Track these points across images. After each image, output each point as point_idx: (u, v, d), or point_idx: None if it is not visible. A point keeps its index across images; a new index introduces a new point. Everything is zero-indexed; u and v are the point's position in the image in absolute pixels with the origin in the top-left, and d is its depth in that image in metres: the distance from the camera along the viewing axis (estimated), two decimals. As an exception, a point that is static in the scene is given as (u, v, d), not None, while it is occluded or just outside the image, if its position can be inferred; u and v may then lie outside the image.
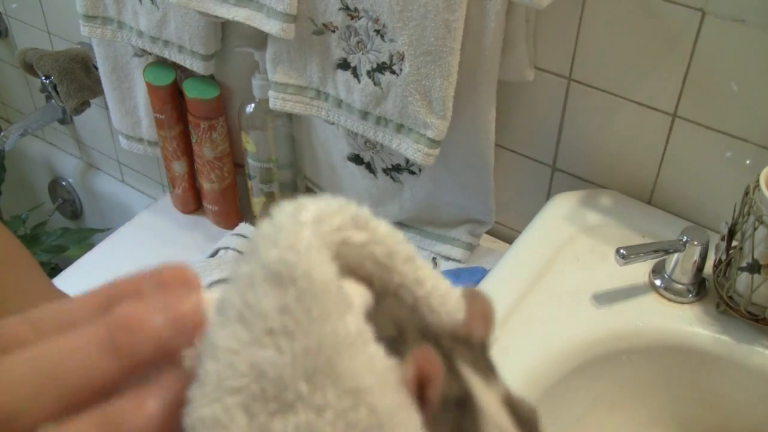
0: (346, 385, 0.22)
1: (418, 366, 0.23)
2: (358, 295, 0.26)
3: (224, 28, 1.02)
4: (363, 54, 0.86)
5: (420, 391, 0.24)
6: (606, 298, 0.78)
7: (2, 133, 1.45)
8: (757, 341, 0.74)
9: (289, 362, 0.22)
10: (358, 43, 0.86)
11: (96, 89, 1.31)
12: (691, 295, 0.78)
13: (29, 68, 1.32)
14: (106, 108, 1.25)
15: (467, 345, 0.26)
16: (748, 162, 0.80)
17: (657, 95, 0.82)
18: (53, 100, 1.36)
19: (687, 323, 0.76)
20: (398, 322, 0.26)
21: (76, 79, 1.30)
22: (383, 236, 0.27)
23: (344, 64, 0.88)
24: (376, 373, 0.23)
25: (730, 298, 0.74)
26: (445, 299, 0.28)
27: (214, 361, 0.22)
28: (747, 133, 0.79)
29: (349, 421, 0.22)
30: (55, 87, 1.30)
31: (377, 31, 0.83)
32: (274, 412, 0.22)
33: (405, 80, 0.84)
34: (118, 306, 0.24)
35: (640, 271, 0.80)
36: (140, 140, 1.23)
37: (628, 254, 0.74)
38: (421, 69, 0.82)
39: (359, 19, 0.84)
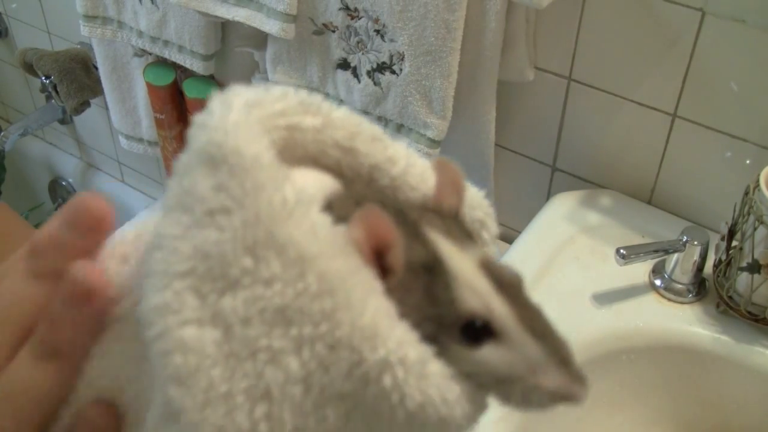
0: (290, 254, 0.21)
1: (368, 227, 0.22)
2: (316, 181, 0.25)
3: (224, 28, 1.02)
4: (363, 54, 0.86)
5: (380, 260, 0.23)
6: (606, 298, 0.78)
7: (2, 133, 1.45)
8: (757, 341, 0.74)
9: (230, 238, 0.22)
10: (358, 43, 0.86)
11: (96, 89, 1.31)
12: (691, 295, 0.78)
13: (29, 68, 1.32)
14: (106, 108, 1.25)
15: (438, 214, 0.25)
16: (748, 162, 0.80)
17: (657, 95, 0.82)
18: (53, 100, 1.36)
19: (687, 323, 0.76)
20: (360, 201, 0.24)
21: (76, 79, 1.30)
22: (341, 120, 0.27)
23: (344, 64, 0.88)
24: (321, 239, 0.22)
25: (730, 298, 0.74)
26: (424, 176, 0.27)
27: (160, 250, 0.22)
28: (747, 133, 0.79)
29: (298, 289, 0.21)
30: (55, 87, 1.30)
31: (377, 31, 0.83)
32: (223, 289, 0.22)
33: (405, 80, 0.84)
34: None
35: (640, 271, 0.80)
36: (140, 140, 1.23)
37: (628, 254, 0.74)
38: (421, 69, 0.82)
39: (359, 19, 0.84)
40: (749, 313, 0.73)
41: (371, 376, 0.21)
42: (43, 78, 1.29)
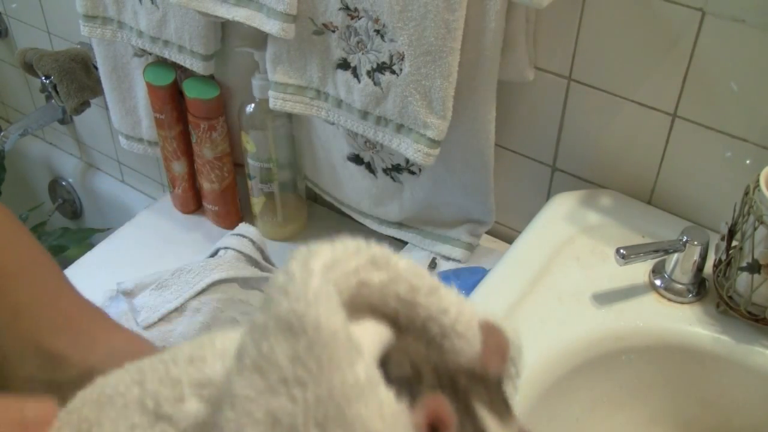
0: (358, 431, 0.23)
1: (430, 413, 0.24)
2: (374, 335, 0.26)
3: (224, 28, 1.02)
4: (363, 54, 0.86)
5: None
6: (606, 298, 0.78)
7: (2, 133, 1.45)
8: (757, 341, 0.74)
9: (301, 410, 0.23)
10: (358, 43, 0.86)
11: (96, 89, 1.31)
12: (691, 295, 0.78)
13: (29, 68, 1.32)
14: (106, 108, 1.25)
15: (483, 383, 0.27)
16: (748, 162, 0.80)
17: (657, 95, 0.82)
18: (53, 100, 1.36)
19: (687, 323, 0.76)
20: (414, 362, 0.26)
21: (76, 79, 1.30)
22: (404, 273, 0.28)
23: (344, 64, 0.88)
24: (386, 419, 0.23)
25: (730, 298, 0.74)
26: (470, 325, 0.28)
27: (233, 409, 0.23)
28: (747, 133, 0.79)
29: None
30: (55, 87, 1.30)
31: (377, 31, 0.83)
32: None
33: (405, 80, 0.84)
34: None
35: (640, 271, 0.80)
36: (140, 140, 1.23)
37: (628, 254, 0.74)
38: (421, 69, 0.82)
39: (359, 19, 0.84)
40: (749, 313, 0.73)
41: None
42: (43, 78, 1.29)
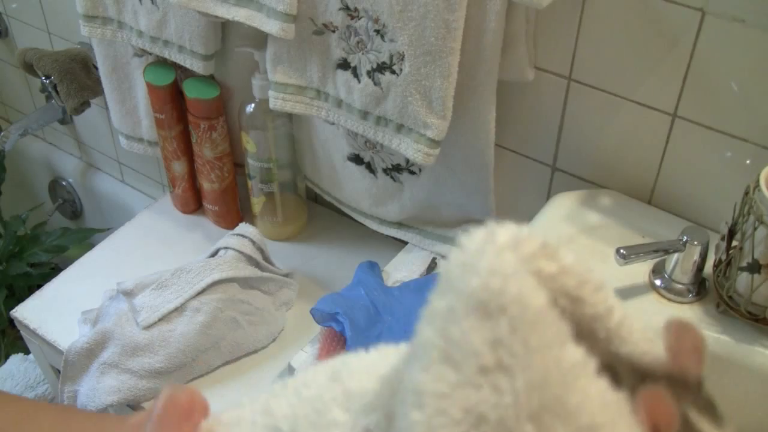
0: (581, 422, 0.19)
1: (649, 408, 0.21)
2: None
3: (224, 28, 1.02)
4: (363, 54, 0.86)
5: None
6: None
7: (2, 133, 1.45)
8: (757, 341, 0.74)
9: (511, 402, 0.19)
10: (358, 43, 0.86)
11: (96, 89, 1.31)
12: (691, 295, 0.78)
13: (29, 68, 1.32)
14: (106, 108, 1.25)
15: (685, 385, 0.24)
16: (748, 162, 0.80)
17: (657, 95, 0.82)
18: (53, 100, 1.36)
19: (687, 323, 0.76)
20: (603, 358, 0.23)
21: (76, 79, 1.30)
22: (572, 266, 0.25)
23: (344, 64, 0.88)
24: (610, 408, 0.20)
25: (730, 298, 0.74)
26: (632, 328, 0.25)
27: (420, 409, 0.20)
28: (747, 133, 0.79)
29: None
30: (55, 87, 1.30)
31: (377, 31, 0.83)
32: None
33: (405, 80, 0.84)
34: None
35: (640, 271, 0.80)
36: (140, 140, 1.23)
37: (628, 254, 0.74)
38: (421, 69, 0.82)
39: (359, 19, 0.84)
40: (749, 313, 0.73)
41: None
42: (43, 78, 1.30)
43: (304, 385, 0.25)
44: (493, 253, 0.20)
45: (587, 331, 0.25)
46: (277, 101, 0.95)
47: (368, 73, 0.87)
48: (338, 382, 0.24)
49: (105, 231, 1.46)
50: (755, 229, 0.70)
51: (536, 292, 0.20)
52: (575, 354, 0.20)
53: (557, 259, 0.24)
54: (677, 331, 0.25)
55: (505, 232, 0.22)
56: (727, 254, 0.74)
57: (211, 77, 1.09)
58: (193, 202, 1.23)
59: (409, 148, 0.87)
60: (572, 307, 0.24)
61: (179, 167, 1.18)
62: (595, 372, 0.20)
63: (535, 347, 0.19)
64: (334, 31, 0.87)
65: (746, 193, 0.71)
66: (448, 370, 0.20)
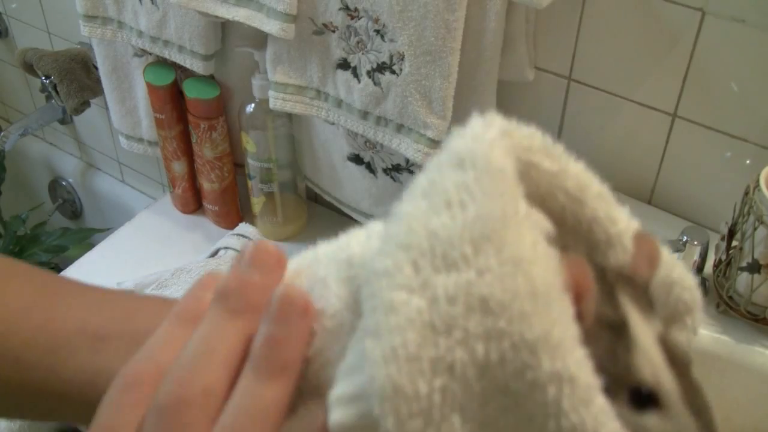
0: (509, 253, 0.23)
1: (570, 272, 0.24)
2: (540, 219, 0.27)
3: (224, 28, 1.02)
4: (363, 54, 0.86)
5: (574, 305, 0.25)
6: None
7: (2, 133, 1.45)
8: (757, 341, 0.74)
9: (459, 226, 0.24)
10: (358, 43, 0.86)
11: (96, 89, 1.31)
12: (691, 295, 0.78)
13: (29, 68, 1.32)
14: (106, 108, 1.25)
15: (630, 282, 0.27)
16: (748, 162, 0.80)
17: (657, 95, 0.82)
18: (53, 100, 1.36)
19: (687, 323, 0.76)
20: (567, 246, 0.27)
21: (76, 79, 1.30)
22: (575, 171, 0.29)
23: (344, 64, 0.88)
24: (540, 252, 0.24)
25: (730, 298, 0.74)
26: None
27: (397, 224, 0.25)
28: (747, 133, 0.79)
29: (506, 286, 0.23)
30: (55, 87, 1.30)
31: (377, 31, 0.83)
32: (439, 268, 0.24)
33: (405, 80, 0.84)
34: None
35: (640, 271, 0.80)
36: (140, 140, 1.23)
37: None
38: (421, 69, 0.82)
39: (359, 19, 0.84)
40: (749, 313, 0.73)
41: (539, 383, 0.23)
42: (43, 78, 1.30)
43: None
44: (481, 128, 0.26)
45: (586, 231, 0.29)
46: (277, 101, 0.95)
47: (368, 73, 0.87)
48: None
49: (105, 231, 1.46)
50: (755, 229, 0.70)
51: (503, 159, 0.25)
52: (522, 207, 0.24)
53: (560, 162, 0.28)
54: (638, 240, 0.29)
55: (500, 121, 0.27)
56: (727, 254, 0.74)
57: (211, 77, 1.09)
58: (193, 202, 1.23)
59: (409, 149, 0.87)
60: (572, 206, 0.29)
61: (179, 167, 1.18)
62: (537, 229, 0.24)
63: (490, 193, 0.24)
64: (334, 31, 0.87)
65: (746, 193, 0.71)
66: (423, 201, 0.25)
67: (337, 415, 0.24)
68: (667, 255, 0.30)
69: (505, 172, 0.25)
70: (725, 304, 0.75)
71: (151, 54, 1.10)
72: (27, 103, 1.61)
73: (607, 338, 0.25)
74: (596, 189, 0.29)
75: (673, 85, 0.80)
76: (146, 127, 1.20)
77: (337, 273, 0.29)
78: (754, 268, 0.71)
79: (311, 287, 0.29)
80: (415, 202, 0.25)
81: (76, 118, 1.50)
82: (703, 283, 0.78)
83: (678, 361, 0.26)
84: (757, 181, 0.70)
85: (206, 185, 1.16)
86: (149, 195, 1.50)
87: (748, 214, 0.70)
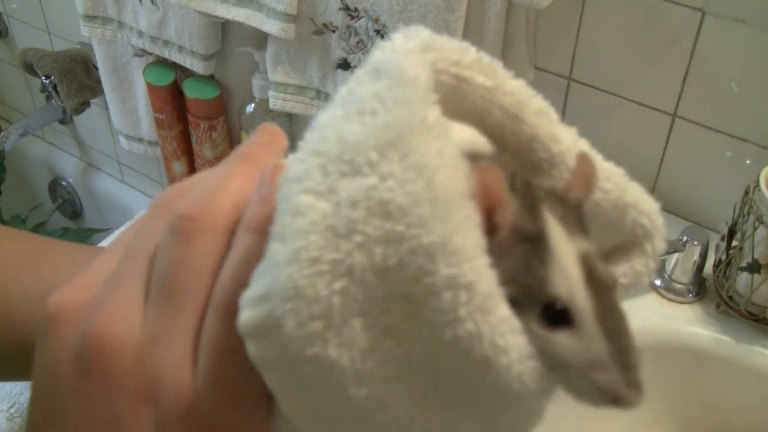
0: (411, 159, 0.23)
1: (481, 180, 0.24)
2: (469, 134, 0.28)
3: (224, 28, 1.02)
4: (363, 54, 0.86)
5: (489, 218, 0.25)
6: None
7: (2, 133, 1.45)
8: (757, 341, 0.74)
9: (367, 133, 0.24)
10: (358, 43, 0.86)
11: (96, 89, 1.31)
12: (691, 295, 0.78)
13: (29, 68, 1.32)
14: (106, 108, 1.25)
15: (561, 201, 0.26)
16: (748, 162, 0.80)
17: (657, 95, 0.82)
18: (53, 100, 1.36)
19: (687, 323, 0.76)
20: (498, 161, 0.27)
21: (76, 79, 1.30)
22: (512, 87, 0.28)
23: (344, 64, 0.88)
24: (444, 159, 0.24)
25: (730, 298, 0.74)
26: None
27: (311, 132, 0.26)
28: (747, 133, 0.79)
29: (407, 190, 0.23)
30: (55, 87, 1.30)
31: (377, 31, 0.83)
32: (345, 173, 0.24)
33: (405, 80, 0.84)
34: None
35: (640, 271, 0.80)
36: (140, 140, 1.23)
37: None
38: (421, 69, 0.82)
39: (359, 19, 0.84)
40: (749, 313, 0.73)
41: (435, 288, 0.23)
42: (43, 78, 1.30)
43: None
44: (402, 40, 0.26)
45: (527, 151, 0.28)
46: (277, 101, 0.95)
47: (368, 73, 0.87)
48: None
49: (105, 231, 1.46)
50: (755, 229, 0.70)
51: (416, 69, 0.25)
52: (431, 115, 0.24)
53: (495, 78, 0.28)
54: (578, 159, 0.28)
55: (424, 33, 0.27)
56: (727, 254, 0.74)
57: (211, 77, 1.09)
58: (193, 202, 1.23)
59: (409, 148, 0.88)
60: (510, 124, 0.28)
61: (179, 167, 1.18)
62: (448, 138, 0.24)
63: (400, 102, 0.24)
64: (334, 31, 0.87)
65: (746, 193, 0.71)
66: (339, 110, 0.25)
67: (245, 315, 0.25)
68: (620, 177, 0.29)
69: (417, 82, 0.25)
70: (725, 304, 0.75)
71: (151, 54, 1.10)
72: (27, 103, 1.61)
73: (524, 251, 0.25)
74: (536, 106, 0.28)
75: (673, 85, 0.80)
76: (146, 127, 1.20)
77: None
78: (754, 268, 0.71)
79: None
80: (332, 111, 0.26)
81: (76, 118, 1.50)
82: (703, 283, 0.78)
83: (600, 283, 0.25)
84: (757, 181, 0.70)
85: (206, 185, 1.16)
86: (149, 195, 1.50)
87: (748, 214, 0.70)
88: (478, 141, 0.28)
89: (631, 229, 0.29)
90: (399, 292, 0.24)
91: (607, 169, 0.29)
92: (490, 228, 0.24)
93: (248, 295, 0.25)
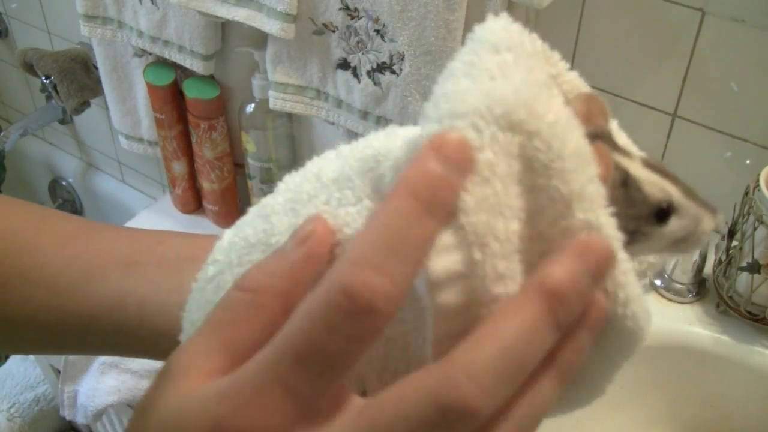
0: (553, 116, 0.26)
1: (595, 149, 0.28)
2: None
3: (224, 28, 1.02)
4: (363, 54, 0.86)
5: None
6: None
7: (2, 133, 1.45)
8: (757, 341, 0.74)
9: (511, 90, 0.26)
10: (358, 43, 0.86)
11: (96, 89, 1.31)
12: (691, 295, 0.78)
13: (29, 68, 1.32)
14: (106, 108, 1.25)
15: (601, 137, 0.31)
16: (748, 162, 0.80)
17: (657, 95, 0.82)
18: (53, 100, 1.36)
19: (687, 323, 0.76)
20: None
21: (76, 79, 1.30)
22: (571, 76, 0.34)
23: (344, 64, 0.88)
24: (561, 115, 0.27)
25: (730, 298, 0.74)
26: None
27: (446, 101, 0.27)
28: (747, 133, 0.79)
29: (551, 145, 0.26)
30: (55, 87, 1.30)
31: (377, 31, 0.83)
32: (502, 126, 0.26)
33: (405, 80, 0.84)
34: (543, 275, 0.26)
35: (640, 271, 0.80)
36: (140, 140, 1.23)
37: (628, 254, 0.74)
38: (421, 69, 0.82)
39: (359, 19, 0.84)
40: (749, 313, 0.73)
41: (572, 230, 0.27)
42: (43, 78, 1.30)
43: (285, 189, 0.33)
44: (504, 23, 0.29)
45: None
46: (277, 101, 0.95)
47: (368, 73, 0.87)
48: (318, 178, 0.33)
49: (105, 231, 1.46)
50: (755, 229, 0.70)
51: (533, 43, 0.29)
52: (543, 76, 0.28)
53: (557, 66, 0.33)
54: (586, 100, 0.32)
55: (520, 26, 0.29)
56: (727, 254, 0.74)
57: (211, 77, 1.09)
58: (193, 202, 1.23)
59: (409, 148, 0.88)
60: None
61: (179, 167, 1.18)
62: (559, 95, 0.28)
63: (522, 67, 0.27)
64: (334, 31, 0.87)
65: (746, 193, 0.71)
66: (465, 80, 0.27)
67: (440, 263, 0.26)
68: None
69: (537, 52, 0.29)
70: (725, 304, 0.75)
71: (151, 54, 1.10)
72: (27, 103, 1.61)
73: (622, 191, 0.30)
74: (588, 92, 0.33)
75: (673, 85, 0.80)
76: (146, 127, 1.20)
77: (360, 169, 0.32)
78: (754, 268, 0.71)
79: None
80: (457, 82, 0.27)
81: (76, 118, 1.50)
82: (703, 283, 0.78)
83: (664, 171, 0.32)
84: (757, 181, 0.70)
85: (206, 185, 1.16)
86: (149, 195, 1.50)
87: (748, 214, 0.70)
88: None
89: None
90: (541, 233, 0.27)
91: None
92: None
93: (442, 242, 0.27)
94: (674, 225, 0.32)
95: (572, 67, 0.35)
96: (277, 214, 0.32)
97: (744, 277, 0.72)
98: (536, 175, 0.27)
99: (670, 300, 0.78)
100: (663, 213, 0.31)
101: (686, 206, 0.32)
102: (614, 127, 0.35)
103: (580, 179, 0.27)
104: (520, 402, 0.25)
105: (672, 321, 0.76)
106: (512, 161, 0.26)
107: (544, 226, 0.27)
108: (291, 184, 0.33)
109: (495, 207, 0.26)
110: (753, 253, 0.70)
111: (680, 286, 0.78)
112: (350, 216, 0.30)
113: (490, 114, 0.26)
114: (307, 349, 0.24)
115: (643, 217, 0.31)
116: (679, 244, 0.32)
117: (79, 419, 1.04)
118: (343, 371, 0.24)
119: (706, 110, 0.80)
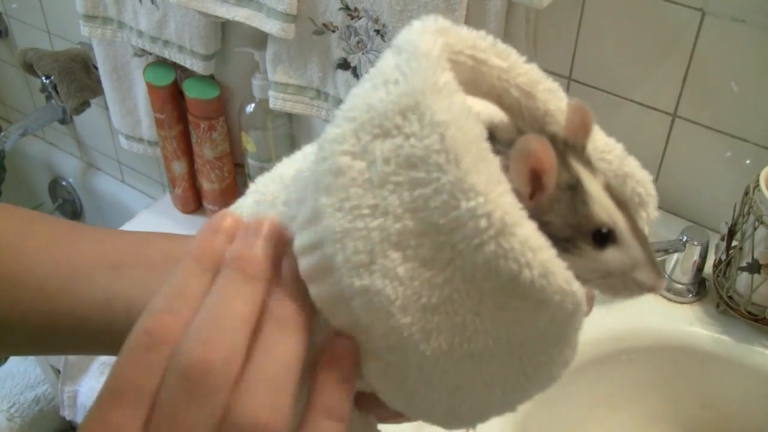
0: (426, 119, 0.28)
1: (531, 151, 0.29)
2: (487, 107, 0.32)
3: (224, 28, 1.02)
4: (363, 54, 0.86)
5: (537, 181, 0.30)
6: (606, 298, 0.78)
7: (2, 133, 1.45)
8: (757, 341, 0.74)
9: (392, 100, 0.29)
10: (358, 43, 0.86)
11: (96, 89, 1.31)
12: (691, 295, 0.78)
13: (29, 68, 1.32)
14: (106, 108, 1.25)
15: (572, 147, 0.32)
16: (748, 162, 0.80)
17: (657, 95, 0.82)
18: (53, 100, 1.36)
19: (687, 323, 0.76)
20: (522, 129, 0.32)
21: (76, 79, 1.30)
22: (525, 69, 0.33)
23: (344, 64, 0.88)
24: (453, 114, 0.28)
25: (730, 297, 0.74)
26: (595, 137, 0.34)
27: (346, 102, 0.30)
28: (747, 133, 0.79)
29: (425, 144, 0.28)
30: (55, 87, 1.30)
31: (377, 31, 0.83)
32: (376, 136, 0.29)
33: (405, 80, 0.84)
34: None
35: (640, 271, 0.80)
36: (140, 140, 1.23)
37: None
38: (421, 69, 0.82)
39: (359, 19, 0.84)
40: (749, 313, 0.73)
41: (461, 219, 0.28)
42: (43, 78, 1.30)
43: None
44: (420, 25, 0.30)
45: (541, 125, 0.33)
46: (277, 101, 0.95)
47: (368, 73, 0.87)
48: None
49: (105, 231, 1.46)
50: (755, 229, 0.70)
51: (430, 44, 0.29)
52: (441, 79, 0.28)
53: (509, 60, 0.32)
54: (574, 109, 0.33)
55: (442, 21, 0.31)
56: (727, 254, 0.74)
57: (211, 77, 1.09)
58: (193, 202, 1.23)
59: (409, 148, 0.88)
60: (526, 101, 0.33)
61: (179, 167, 1.18)
62: (458, 96, 0.28)
63: (415, 70, 0.29)
64: (334, 31, 0.87)
65: (746, 193, 0.71)
66: (367, 83, 0.30)
67: (303, 262, 0.30)
68: (620, 150, 0.35)
69: (431, 54, 0.29)
70: (725, 304, 0.75)
71: (151, 54, 1.10)
72: (27, 103, 1.61)
73: (567, 196, 0.30)
74: (547, 85, 0.33)
75: (673, 85, 0.80)
76: (146, 127, 1.20)
77: (285, 188, 0.35)
78: (754, 268, 0.71)
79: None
80: (362, 84, 0.30)
81: (76, 118, 1.50)
82: (703, 283, 0.78)
83: (623, 205, 0.32)
84: (757, 181, 0.70)
85: (206, 185, 1.16)
86: (149, 195, 1.50)
87: (748, 214, 0.70)
88: (497, 113, 0.33)
89: (630, 197, 0.34)
90: (431, 227, 0.28)
91: (608, 143, 0.35)
92: (540, 187, 0.30)
93: (300, 244, 0.30)
94: (610, 255, 0.31)
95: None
96: (246, 216, 0.34)
97: (744, 277, 0.72)
98: (416, 170, 0.28)
99: (670, 300, 0.78)
100: (602, 237, 0.31)
101: (630, 245, 0.31)
102: (601, 137, 0.35)
103: (458, 170, 0.28)
104: (256, 355, 0.29)
105: (672, 321, 0.76)
106: (387, 166, 0.29)
107: (436, 218, 0.28)
108: (260, 185, 0.37)
109: (355, 208, 0.29)
110: (753, 253, 0.70)
111: (680, 286, 0.78)
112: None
113: (371, 124, 0.29)
114: None
115: (582, 232, 0.30)
116: (611, 280, 0.32)
117: (79, 419, 1.04)
118: None
119: (706, 110, 0.80)
